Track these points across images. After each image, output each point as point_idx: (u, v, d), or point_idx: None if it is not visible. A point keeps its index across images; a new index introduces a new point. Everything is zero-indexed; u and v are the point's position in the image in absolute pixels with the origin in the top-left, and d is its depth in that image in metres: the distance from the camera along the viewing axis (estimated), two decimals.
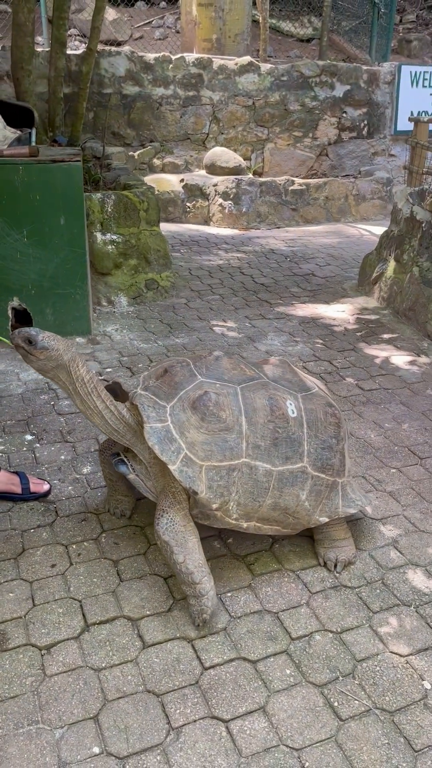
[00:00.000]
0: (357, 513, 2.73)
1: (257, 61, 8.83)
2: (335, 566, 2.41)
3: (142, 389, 2.29)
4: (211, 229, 7.78)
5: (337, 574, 2.40)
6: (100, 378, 2.75)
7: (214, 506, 2.17)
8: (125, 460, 2.34)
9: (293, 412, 2.29)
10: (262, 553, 2.50)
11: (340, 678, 1.99)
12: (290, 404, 2.30)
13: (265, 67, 8.67)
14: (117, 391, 2.38)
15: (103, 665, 2.01)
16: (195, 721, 1.85)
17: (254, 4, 9.87)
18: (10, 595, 2.27)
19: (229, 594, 2.30)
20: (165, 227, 6.38)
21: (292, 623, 2.18)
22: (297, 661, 2.04)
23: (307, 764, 1.74)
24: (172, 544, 2.11)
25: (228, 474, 2.17)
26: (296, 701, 1.91)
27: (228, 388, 2.25)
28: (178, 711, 1.87)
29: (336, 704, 1.91)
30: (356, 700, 1.92)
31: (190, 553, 2.11)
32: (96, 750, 1.76)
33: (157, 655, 2.05)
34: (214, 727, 1.83)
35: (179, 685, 1.95)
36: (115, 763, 1.73)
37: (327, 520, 2.36)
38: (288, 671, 2.01)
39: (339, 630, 2.16)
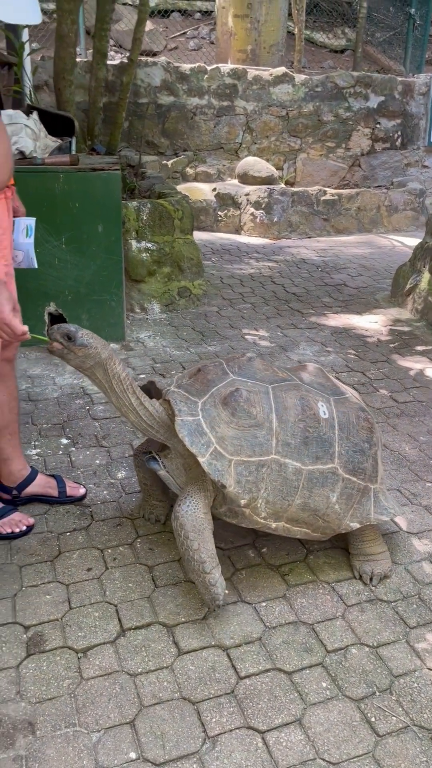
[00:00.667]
0: (391, 526, 2.71)
1: (292, 71, 8.86)
2: (371, 579, 2.40)
3: (176, 387, 2.34)
4: (242, 238, 7.80)
5: (373, 588, 2.38)
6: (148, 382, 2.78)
7: (243, 502, 2.17)
8: (156, 457, 2.37)
9: (325, 413, 2.30)
10: (296, 564, 2.49)
11: (377, 693, 1.97)
12: (322, 405, 2.31)
13: (300, 77, 8.70)
14: (152, 391, 2.42)
15: (139, 670, 2.02)
16: (231, 730, 1.84)
17: (290, 15, 9.92)
18: (47, 597, 2.29)
19: (263, 603, 2.29)
20: (197, 236, 6.42)
21: (328, 635, 2.17)
22: (333, 675, 2.03)
23: None
24: (189, 530, 2.12)
25: (257, 470, 2.18)
26: (333, 715, 1.90)
27: (259, 387, 2.27)
28: (214, 719, 1.87)
29: (373, 719, 1.89)
30: (394, 716, 1.90)
31: (205, 542, 2.13)
32: (133, 755, 1.77)
33: (193, 663, 2.05)
34: (250, 738, 1.83)
35: (215, 694, 1.95)
36: None
37: (358, 525, 2.34)
38: (324, 684, 2.00)
39: (375, 644, 2.14)
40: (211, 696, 1.94)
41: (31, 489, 2.75)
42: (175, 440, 2.29)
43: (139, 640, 2.13)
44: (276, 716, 1.89)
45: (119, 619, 2.20)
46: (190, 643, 2.12)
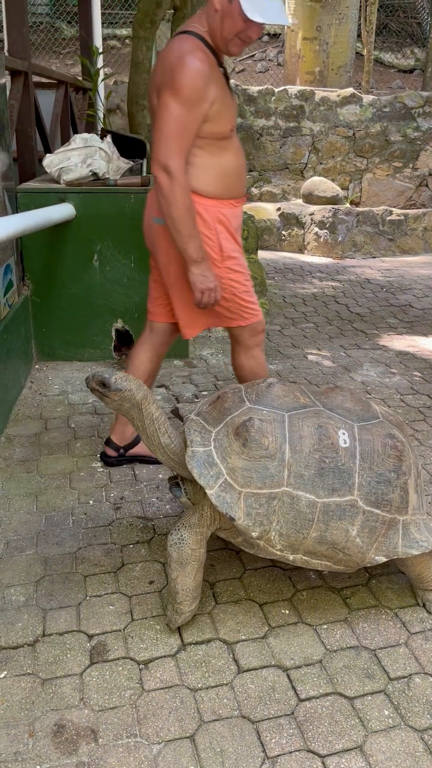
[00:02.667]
0: None
1: (359, 92, 8.87)
2: None
3: (195, 414, 2.33)
4: (306, 258, 7.82)
5: None
6: (169, 410, 2.82)
7: (254, 534, 2.13)
8: (180, 483, 2.37)
9: (345, 442, 2.18)
10: (358, 588, 2.46)
11: None
12: (343, 434, 2.20)
13: (368, 98, 8.70)
14: (182, 417, 2.43)
15: (199, 686, 2.03)
16: (291, 752, 1.83)
17: (359, 36, 9.96)
18: (110, 607, 2.34)
19: (325, 626, 2.27)
20: (260, 255, 6.48)
21: (390, 662, 2.13)
22: (396, 703, 1.99)
23: None
24: (173, 560, 2.16)
25: (268, 502, 2.12)
26: (395, 744, 1.86)
27: (275, 415, 2.20)
28: (273, 740, 1.87)
29: None
30: None
31: (184, 576, 2.16)
32: None
33: (253, 681, 2.05)
34: (310, 761, 1.81)
35: (274, 714, 1.94)
36: None
37: (384, 559, 2.22)
38: (386, 712, 1.96)
39: None
40: (271, 716, 1.94)
41: (137, 449, 3.16)
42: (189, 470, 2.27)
43: (199, 655, 2.15)
44: (337, 741, 1.86)
45: (180, 634, 2.22)
46: (250, 662, 2.12)
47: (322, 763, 1.81)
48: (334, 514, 2.14)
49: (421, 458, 3.36)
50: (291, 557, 2.20)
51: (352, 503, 2.16)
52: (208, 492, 2.12)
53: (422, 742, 1.87)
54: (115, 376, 2.19)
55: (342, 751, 1.84)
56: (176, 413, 2.49)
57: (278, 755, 1.82)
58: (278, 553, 2.19)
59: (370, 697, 2.01)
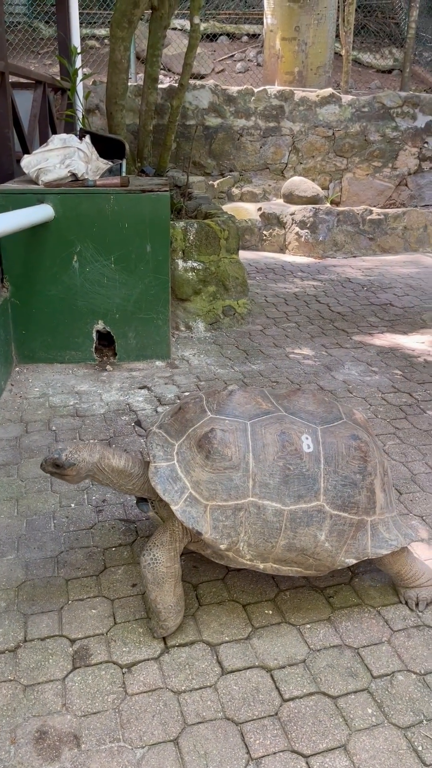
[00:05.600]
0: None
1: (338, 92, 8.91)
2: (417, 605, 2.36)
3: (157, 427, 2.31)
4: (287, 257, 7.83)
5: (420, 613, 2.34)
6: (136, 420, 2.80)
7: (223, 547, 2.12)
8: (146, 498, 2.36)
9: (309, 447, 2.16)
10: (341, 587, 2.47)
11: (424, 722, 1.93)
12: (306, 438, 2.17)
13: (347, 98, 8.73)
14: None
15: (183, 688, 2.03)
16: (275, 753, 1.83)
17: (337, 36, 10.00)
18: (93, 611, 2.32)
19: (308, 626, 2.28)
20: (242, 255, 6.48)
21: (373, 660, 2.14)
22: (379, 701, 2.00)
23: None
24: (149, 580, 2.14)
25: (234, 514, 2.10)
26: (378, 742, 1.87)
27: (237, 424, 2.16)
28: (257, 741, 1.86)
29: (420, 748, 1.85)
30: None
31: (162, 595, 2.14)
32: None
33: (236, 683, 2.05)
34: (294, 762, 1.81)
35: (258, 715, 1.94)
36: None
37: (354, 561, 2.21)
38: (369, 710, 1.96)
39: (422, 672, 2.10)
40: (255, 717, 1.93)
41: None
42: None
43: (183, 657, 2.14)
44: (320, 741, 1.87)
45: (163, 636, 2.21)
46: (234, 663, 2.12)
47: (306, 763, 1.81)
48: (302, 521, 2.13)
49: (402, 456, 3.38)
50: (261, 566, 2.19)
51: (318, 508, 2.14)
52: (173, 508, 2.09)
53: (405, 739, 1.88)
54: (65, 452, 2.20)
55: (326, 750, 1.84)
56: (139, 425, 2.49)
57: (262, 756, 1.82)
58: (248, 562, 2.18)
59: (353, 696, 2.01)
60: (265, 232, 8.05)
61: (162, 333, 4.49)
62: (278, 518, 2.11)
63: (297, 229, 7.87)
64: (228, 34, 13.04)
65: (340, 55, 10.50)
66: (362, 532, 2.22)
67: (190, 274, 5.11)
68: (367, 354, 4.82)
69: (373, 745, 1.86)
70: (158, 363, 4.52)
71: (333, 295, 6.33)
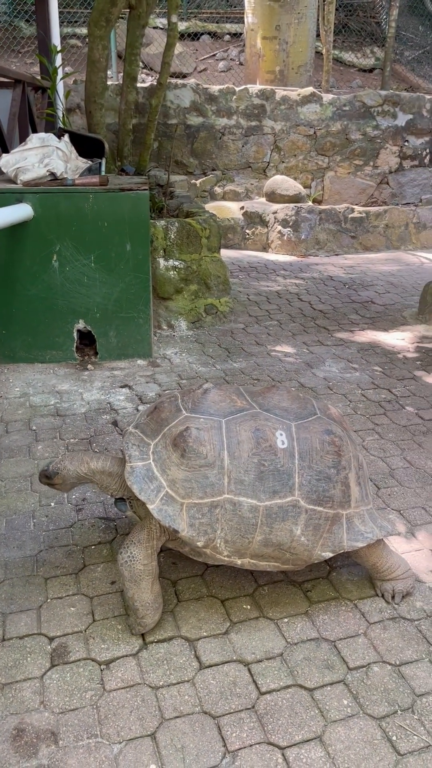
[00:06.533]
0: (415, 544, 2.69)
1: (319, 91, 8.95)
2: (393, 597, 2.38)
3: (134, 427, 2.34)
4: (270, 256, 7.86)
5: (396, 606, 2.36)
6: (113, 420, 2.81)
7: (200, 544, 2.13)
8: (124, 498, 2.39)
9: (283, 443, 2.18)
10: (319, 581, 2.49)
11: (399, 712, 1.96)
12: (280, 435, 2.19)
13: (328, 97, 8.78)
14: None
15: (161, 683, 2.04)
16: (251, 745, 1.85)
17: (318, 35, 10.04)
18: (72, 609, 2.33)
19: (285, 620, 2.30)
20: (224, 253, 6.50)
21: (350, 653, 2.16)
22: (354, 692, 2.02)
23: None
24: (126, 578, 2.16)
25: (210, 511, 2.12)
26: (353, 732, 1.89)
27: (212, 422, 2.18)
28: (234, 734, 1.88)
29: (394, 738, 1.88)
30: (415, 735, 1.88)
31: (140, 592, 2.16)
32: (153, 767, 1.79)
33: (214, 677, 2.06)
34: (270, 753, 1.83)
35: (235, 709, 1.96)
36: None
37: (331, 554, 2.24)
38: (345, 701, 1.99)
39: (398, 663, 2.13)
40: (232, 711, 1.95)
41: None
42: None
43: (161, 653, 2.15)
44: (296, 732, 1.89)
45: (142, 633, 2.22)
46: (212, 658, 2.13)
47: (282, 754, 1.83)
48: (277, 516, 2.15)
49: (381, 451, 3.41)
50: (239, 562, 2.21)
51: (294, 503, 2.17)
52: (150, 507, 2.11)
53: (380, 729, 1.91)
54: (51, 464, 2.39)
55: (301, 741, 1.86)
56: (116, 425, 2.52)
57: (239, 749, 1.84)
58: (225, 559, 2.20)
59: (329, 688, 2.03)
60: (247, 231, 8.08)
61: (143, 332, 4.49)
62: (254, 514, 2.13)
63: (279, 227, 7.90)
64: (210, 33, 13.05)
65: (322, 54, 10.55)
66: (338, 526, 2.24)
67: (171, 272, 5.12)
68: (347, 351, 4.86)
69: (348, 736, 1.88)
70: (140, 362, 4.52)
71: (315, 293, 6.36)
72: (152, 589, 2.19)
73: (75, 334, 4.40)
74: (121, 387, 4.12)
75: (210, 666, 2.10)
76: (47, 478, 2.40)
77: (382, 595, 2.40)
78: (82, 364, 4.43)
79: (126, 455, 2.22)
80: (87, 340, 4.50)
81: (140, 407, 3.79)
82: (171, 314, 5.20)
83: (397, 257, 7.96)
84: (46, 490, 3.02)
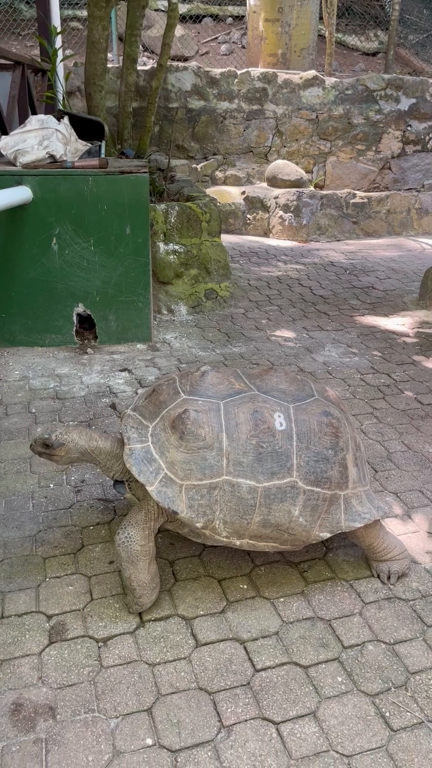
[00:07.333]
0: (411, 526, 2.71)
1: (322, 75, 8.87)
2: (388, 578, 2.40)
3: (132, 410, 2.34)
4: (271, 241, 7.83)
5: (391, 586, 2.38)
6: (111, 403, 2.80)
7: (199, 525, 2.15)
8: (123, 480, 2.40)
9: (281, 425, 2.19)
10: (315, 561, 2.51)
11: (393, 689, 1.98)
12: (278, 416, 2.20)
13: (330, 81, 8.70)
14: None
15: (157, 660, 2.06)
16: (246, 720, 1.87)
17: (321, 19, 9.94)
18: (70, 588, 2.35)
19: (281, 599, 2.32)
20: (225, 238, 6.48)
21: (345, 632, 2.19)
22: (349, 670, 2.04)
23: None
24: (123, 559, 2.17)
25: (209, 492, 2.13)
26: (347, 709, 1.92)
27: (210, 405, 2.19)
28: (229, 710, 1.90)
29: (387, 714, 1.90)
30: (408, 711, 1.91)
31: (137, 572, 2.18)
32: (149, 741, 1.81)
33: (210, 655, 2.09)
34: (264, 728, 1.85)
35: (231, 685, 1.98)
36: (167, 756, 1.77)
37: (329, 535, 2.26)
38: (339, 679, 2.01)
39: (392, 641, 2.15)
40: (227, 687, 1.97)
41: None
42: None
43: (158, 631, 2.18)
44: (291, 708, 1.91)
45: (139, 612, 2.24)
46: (208, 636, 2.16)
47: (276, 729, 1.85)
48: (276, 497, 2.17)
49: (379, 435, 3.42)
50: (238, 542, 2.23)
51: (292, 484, 2.18)
52: (149, 488, 2.12)
53: (374, 706, 1.93)
54: (55, 433, 2.29)
55: (296, 717, 1.89)
56: (114, 408, 2.51)
57: (234, 724, 1.86)
58: (224, 540, 2.21)
59: (324, 665, 2.06)
60: (248, 216, 8.04)
61: (143, 316, 4.49)
62: (252, 495, 2.15)
63: (281, 212, 7.87)
64: (212, 16, 12.92)
65: (324, 37, 10.44)
66: (336, 507, 2.26)
67: (171, 257, 5.11)
68: (347, 336, 4.85)
69: (342, 712, 1.91)
70: (139, 346, 4.52)
71: (315, 278, 6.34)
72: (149, 569, 2.21)
73: (74, 318, 4.40)
74: (121, 371, 4.12)
75: (206, 644, 2.13)
76: (47, 447, 2.31)
77: (378, 576, 2.42)
78: (82, 348, 4.43)
79: (124, 437, 2.24)
80: (86, 323, 4.50)
81: (139, 391, 3.80)
82: (171, 299, 5.19)
83: (398, 243, 7.93)
84: (45, 472, 3.03)
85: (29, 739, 1.81)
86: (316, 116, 8.73)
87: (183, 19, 12.08)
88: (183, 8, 11.99)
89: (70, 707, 1.91)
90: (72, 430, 2.33)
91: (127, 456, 2.18)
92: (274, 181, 8.22)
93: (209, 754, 1.78)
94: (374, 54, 13.00)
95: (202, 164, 8.51)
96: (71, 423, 3.47)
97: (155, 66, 8.06)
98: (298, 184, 8.10)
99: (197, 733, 1.84)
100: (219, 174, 8.63)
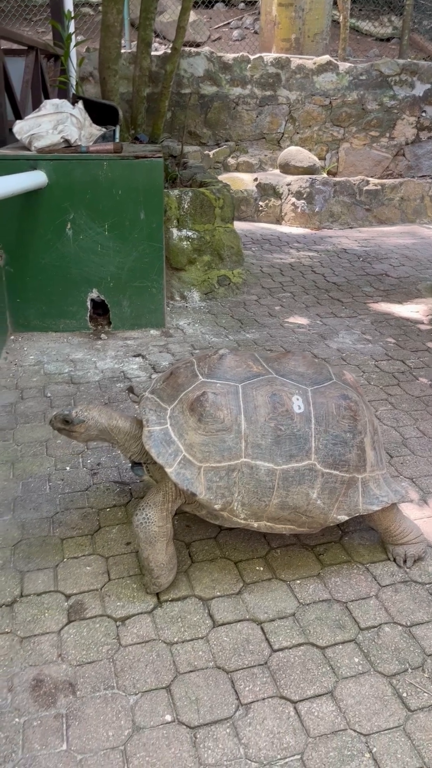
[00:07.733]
0: (428, 510, 2.71)
1: (336, 60, 8.79)
2: (404, 561, 2.41)
3: (150, 392, 2.34)
4: (283, 228, 7.80)
5: (407, 570, 2.39)
6: (129, 386, 2.80)
7: (217, 507, 2.16)
8: (140, 462, 2.40)
9: (299, 408, 2.19)
10: (331, 545, 2.52)
11: (409, 670, 1.99)
12: (297, 399, 2.21)
13: (344, 66, 8.62)
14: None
15: (175, 640, 2.08)
16: (264, 699, 1.89)
17: (335, 3, 9.83)
18: (87, 568, 2.37)
19: (298, 581, 2.33)
20: (237, 225, 6.45)
21: (361, 614, 2.20)
22: (365, 651, 2.05)
23: (374, 749, 1.76)
24: (141, 539, 2.18)
25: (228, 474, 2.14)
26: (364, 689, 1.93)
27: (228, 387, 2.19)
28: (247, 688, 1.92)
29: (405, 695, 1.91)
30: (425, 692, 1.92)
31: (154, 553, 2.19)
32: (168, 718, 1.83)
33: (227, 635, 2.10)
34: (282, 707, 1.87)
35: (248, 664, 2.00)
36: (186, 732, 1.79)
37: (346, 518, 2.26)
38: (356, 659, 2.02)
39: (408, 624, 2.16)
40: (245, 666, 1.99)
41: None
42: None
43: (175, 611, 2.19)
44: (308, 687, 1.92)
45: (156, 592, 2.26)
46: (225, 616, 2.17)
47: (294, 708, 1.87)
48: (294, 480, 2.17)
49: (394, 421, 3.42)
50: (255, 524, 2.24)
51: (310, 467, 2.18)
52: (168, 470, 2.13)
53: (390, 686, 1.94)
54: (75, 410, 2.31)
55: (313, 696, 1.90)
56: (132, 391, 2.51)
57: (252, 702, 1.88)
58: (242, 522, 2.22)
59: (340, 646, 2.07)
60: (261, 203, 8.00)
61: (156, 301, 4.49)
62: (271, 478, 2.16)
63: (293, 199, 7.83)
64: (224, 1, 12.79)
65: (338, 23, 10.32)
66: (353, 490, 2.27)
67: (184, 243, 5.10)
68: (361, 323, 4.84)
69: (359, 692, 1.92)
70: (153, 332, 4.53)
71: (329, 265, 6.32)
72: (167, 550, 2.22)
73: (88, 303, 4.40)
74: (135, 356, 4.13)
75: (223, 624, 2.14)
76: (67, 423, 2.32)
77: (394, 559, 2.42)
78: (96, 334, 4.44)
79: (143, 420, 2.24)
80: (100, 309, 4.51)
81: (153, 376, 3.81)
82: (184, 285, 5.19)
83: (412, 230, 7.88)
84: (61, 455, 3.05)
85: (50, 714, 1.84)
86: (330, 102, 8.65)
87: (195, 4, 11.96)
88: None
89: (90, 684, 1.93)
90: (92, 407, 2.34)
91: (146, 438, 2.19)
92: (286, 168, 8.17)
93: (228, 731, 1.80)
94: (388, 39, 12.84)
95: (214, 151, 8.47)
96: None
97: (167, 51, 8.00)
98: (310, 170, 8.05)
99: (216, 710, 1.86)
100: (231, 160, 8.58)
